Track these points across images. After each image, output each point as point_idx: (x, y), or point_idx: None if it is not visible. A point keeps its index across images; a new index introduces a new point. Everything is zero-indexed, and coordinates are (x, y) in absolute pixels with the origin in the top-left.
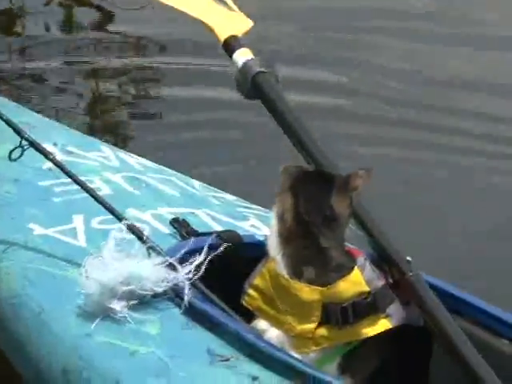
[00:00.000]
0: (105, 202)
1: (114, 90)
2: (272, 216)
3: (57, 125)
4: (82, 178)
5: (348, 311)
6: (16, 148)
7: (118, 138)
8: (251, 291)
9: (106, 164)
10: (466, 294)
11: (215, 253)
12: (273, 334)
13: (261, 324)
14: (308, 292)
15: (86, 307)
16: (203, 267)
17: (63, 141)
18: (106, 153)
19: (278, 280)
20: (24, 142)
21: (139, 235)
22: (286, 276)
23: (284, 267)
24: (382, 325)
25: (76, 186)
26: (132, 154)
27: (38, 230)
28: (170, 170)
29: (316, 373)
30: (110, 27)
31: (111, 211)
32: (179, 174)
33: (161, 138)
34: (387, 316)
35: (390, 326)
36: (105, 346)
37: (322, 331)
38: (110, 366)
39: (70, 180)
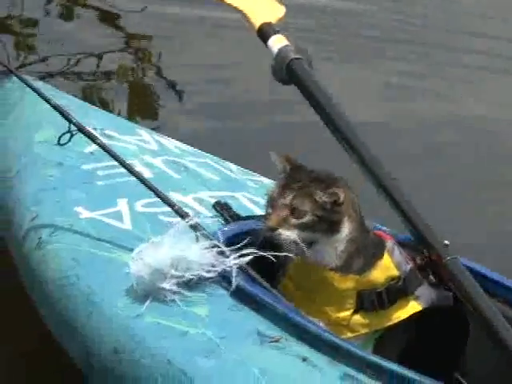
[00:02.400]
0: (153, 186)
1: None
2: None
3: (93, 108)
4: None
5: (383, 296)
6: (65, 133)
7: (150, 120)
8: (285, 280)
9: (144, 147)
10: (502, 276)
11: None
12: None
13: None
14: (343, 281)
15: (136, 289)
16: (251, 252)
17: (101, 124)
18: (143, 136)
19: (313, 270)
20: (72, 127)
21: (187, 220)
22: (323, 267)
23: (339, 263)
24: (413, 307)
25: (119, 170)
26: (168, 138)
27: (83, 213)
28: (206, 154)
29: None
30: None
31: (158, 195)
32: (215, 158)
33: (192, 121)
34: (416, 298)
35: (420, 308)
36: (155, 327)
37: (357, 318)
38: (161, 346)
39: (112, 164)
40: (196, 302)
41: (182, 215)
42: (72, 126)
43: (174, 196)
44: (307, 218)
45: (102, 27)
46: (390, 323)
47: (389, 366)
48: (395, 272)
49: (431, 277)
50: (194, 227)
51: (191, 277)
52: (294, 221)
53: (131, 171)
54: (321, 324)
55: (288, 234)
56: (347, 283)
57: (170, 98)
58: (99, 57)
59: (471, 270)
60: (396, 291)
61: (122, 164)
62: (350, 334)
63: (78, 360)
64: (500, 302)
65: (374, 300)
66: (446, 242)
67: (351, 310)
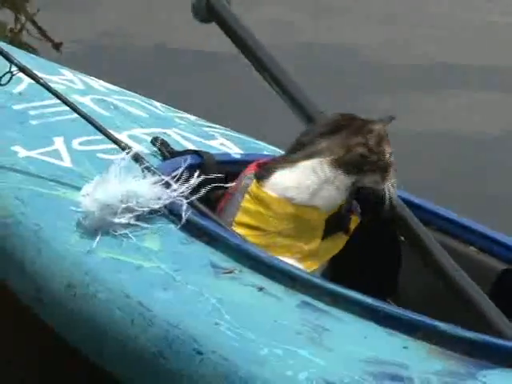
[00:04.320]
0: (98, 124)
1: None
2: None
3: (14, 49)
4: (53, 102)
5: (345, 217)
6: (6, 73)
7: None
8: (236, 229)
9: (72, 87)
10: (433, 204)
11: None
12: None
13: None
14: (317, 214)
15: (87, 224)
16: (200, 186)
17: (27, 65)
18: (68, 76)
19: (281, 208)
20: (13, 68)
21: (135, 156)
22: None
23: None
24: (355, 221)
25: (51, 109)
26: (91, 77)
27: (22, 152)
28: (130, 92)
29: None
30: None
31: (104, 133)
32: (140, 96)
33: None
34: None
35: (359, 220)
36: (109, 262)
37: (323, 245)
38: (117, 279)
39: (44, 103)
40: (147, 236)
41: (134, 155)
42: (13, 66)
43: None
44: None
45: None
46: (344, 243)
47: (345, 293)
48: None
49: None
50: (141, 162)
51: (140, 211)
52: None
53: (74, 109)
54: (293, 260)
55: None
56: (320, 215)
57: (49, 51)
58: None
59: (408, 201)
60: (349, 209)
61: (65, 102)
62: (319, 263)
63: (25, 297)
64: (433, 230)
65: (341, 221)
66: None
67: (320, 239)
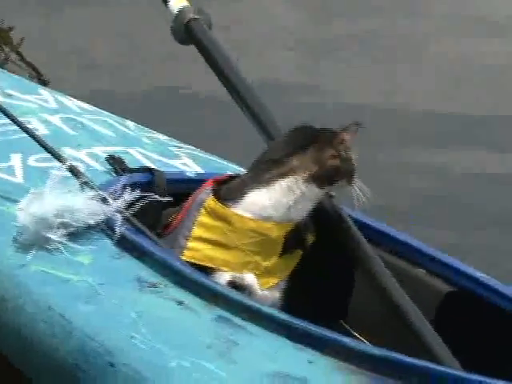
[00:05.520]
0: (42, 140)
1: None
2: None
3: None
4: (20, 119)
5: (302, 232)
6: None
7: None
8: (193, 244)
9: (44, 106)
10: (385, 225)
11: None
12: (249, 279)
13: (223, 276)
14: (277, 229)
15: (22, 239)
16: (136, 202)
17: (2, 84)
18: (44, 96)
19: (242, 224)
20: None
21: (73, 171)
22: (256, 219)
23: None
24: (311, 239)
25: (13, 127)
26: (70, 97)
27: None
28: (105, 112)
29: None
30: None
31: (47, 149)
32: (114, 116)
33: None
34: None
35: (314, 238)
36: (39, 275)
37: (282, 262)
38: (44, 292)
39: (6, 121)
40: (81, 250)
41: (72, 170)
42: None
43: (68, 151)
44: None
45: None
46: (299, 258)
47: (260, 308)
48: None
49: None
50: (79, 177)
51: (76, 226)
52: None
53: (21, 126)
54: (252, 276)
55: None
56: (279, 231)
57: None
58: None
59: (357, 220)
60: (307, 224)
61: (12, 119)
62: (274, 281)
63: None
64: (385, 252)
65: (299, 237)
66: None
67: (277, 256)
